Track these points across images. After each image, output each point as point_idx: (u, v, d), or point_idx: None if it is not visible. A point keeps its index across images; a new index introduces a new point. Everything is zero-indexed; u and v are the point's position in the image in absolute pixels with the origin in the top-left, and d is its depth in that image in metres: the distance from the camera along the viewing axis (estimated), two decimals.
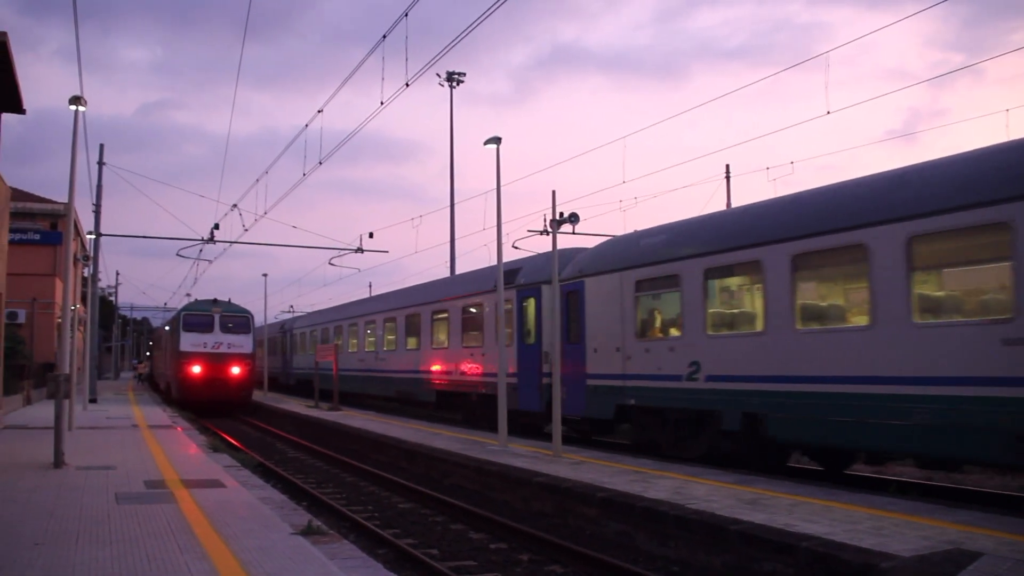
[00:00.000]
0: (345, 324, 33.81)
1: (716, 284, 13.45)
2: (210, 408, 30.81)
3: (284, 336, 46.13)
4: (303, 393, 38.40)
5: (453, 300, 23.03)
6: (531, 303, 18.41)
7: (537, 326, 18.02)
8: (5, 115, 18.58)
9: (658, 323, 14.81)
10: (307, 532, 7.85)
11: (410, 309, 26.43)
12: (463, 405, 22.53)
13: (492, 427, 17.34)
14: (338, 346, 31.09)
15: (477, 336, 21.40)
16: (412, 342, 26.10)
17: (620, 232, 19.79)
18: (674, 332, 14.09)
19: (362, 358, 30.98)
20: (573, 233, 21.70)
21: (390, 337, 28.41)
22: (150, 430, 19.52)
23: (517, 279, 19.02)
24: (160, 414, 25.67)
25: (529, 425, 19.18)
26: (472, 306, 21.78)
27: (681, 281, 13.62)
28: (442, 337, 23.82)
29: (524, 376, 18.42)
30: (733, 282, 13.47)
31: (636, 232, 16.01)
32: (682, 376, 13.43)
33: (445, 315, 23.47)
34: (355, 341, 32.33)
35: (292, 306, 61.28)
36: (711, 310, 13.35)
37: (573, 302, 16.57)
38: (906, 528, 7.88)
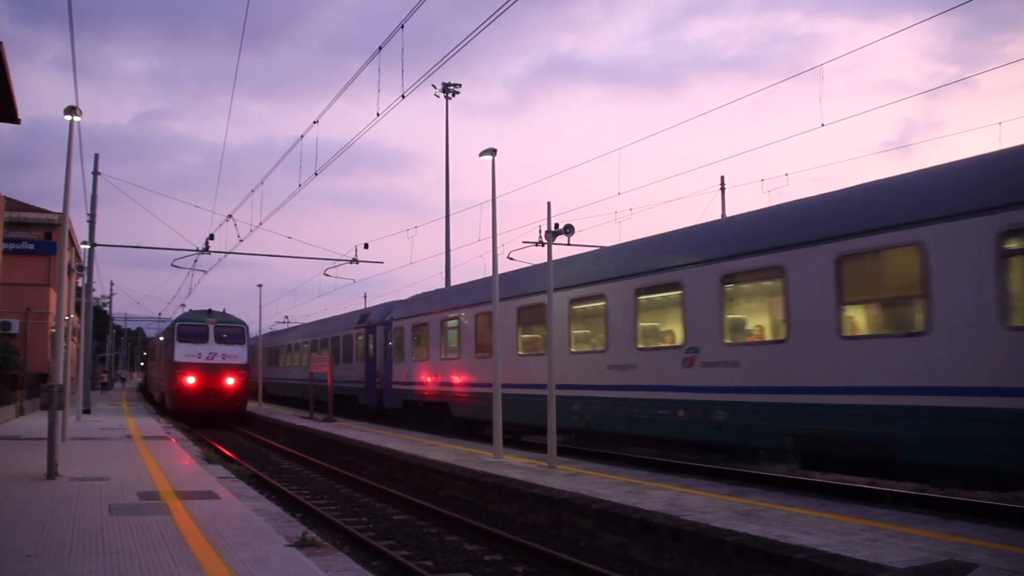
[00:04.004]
0: (564, 301, 16.71)
1: None
2: (204, 419, 30.72)
3: (368, 335, 30.17)
4: (434, 428, 23.27)
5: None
6: None
7: None
8: None
9: None
10: (301, 544, 7.82)
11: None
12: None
13: None
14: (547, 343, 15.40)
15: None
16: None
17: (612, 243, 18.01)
18: None
19: (620, 363, 15.07)
20: (568, 244, 21.69)
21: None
22: (144, 441, 19.44)
23: None
24: (154, 425, 25.57)
25: None
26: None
27: None
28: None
29: None
30: None
31: None
32: None
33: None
34: (599, 335, 16.13)
35: (287, 317, 60.64)
36: None
37: None
38: (900, 539, 7.89)
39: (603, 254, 16.83)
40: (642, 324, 14.78)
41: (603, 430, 15.88)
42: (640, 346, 14.64)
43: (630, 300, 14.78)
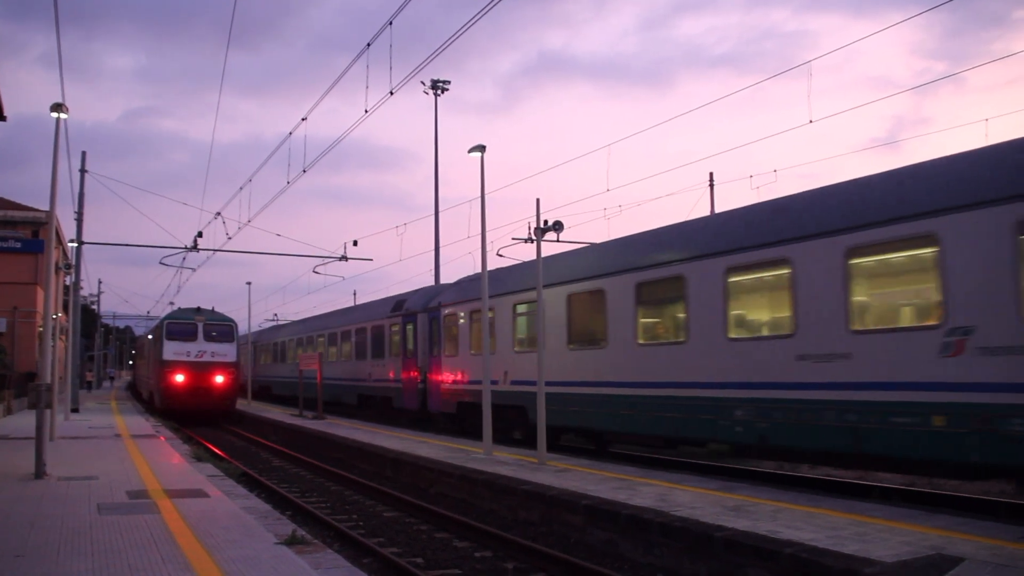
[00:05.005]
0: (715, 271, 13.11)
1: None
2: (194, 417, 30.63)
3: (405, 324, 25.55)
4: (501, 437, 17.87)
5: None
6: None
7: None
8: None
9: None
10: (291, 542, 7.81)
11: None
12: None
13: None
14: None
15: None
16: None
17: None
18: None
19: (820, 352, 11.11)
20: (557, 241, 21.68)
21: None
22: (133, 440, 19.36)
23: None
24: (143, 423, 25.47)
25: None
26: None
27: None
28: None
29: None
30: None
31: None
32: None
33: None
34: (779, 315, 12.35)
35: (276, 314, 60.03)
36: None
37: None
38: (888, 534, 7.95)
39: (784, 205, 12.52)
40: (857, 298, 10.85)
41: (792, 445, 11.68)
42: (856, 328, 10.67)
43: (837, 266, 10.81)
